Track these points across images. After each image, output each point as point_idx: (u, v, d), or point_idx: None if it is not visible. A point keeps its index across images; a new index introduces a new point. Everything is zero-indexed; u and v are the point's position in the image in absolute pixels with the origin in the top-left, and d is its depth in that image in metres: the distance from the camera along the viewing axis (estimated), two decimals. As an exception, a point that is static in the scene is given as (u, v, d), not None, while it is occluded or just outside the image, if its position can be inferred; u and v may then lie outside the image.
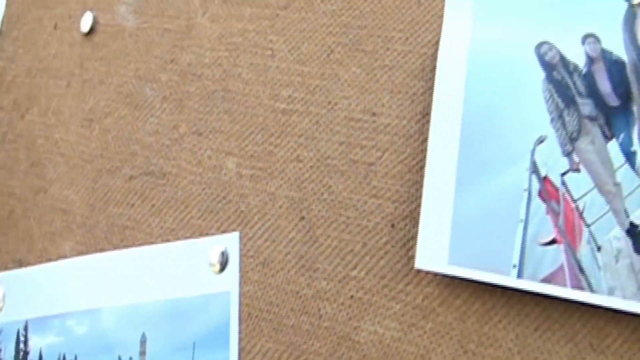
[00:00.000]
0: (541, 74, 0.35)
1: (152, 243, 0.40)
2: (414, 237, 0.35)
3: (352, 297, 0.36)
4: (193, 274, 0.38)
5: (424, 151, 0.36)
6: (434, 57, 0.37)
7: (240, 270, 0.37)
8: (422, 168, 0.36)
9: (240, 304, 0.37)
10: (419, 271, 0.35)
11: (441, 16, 0.38)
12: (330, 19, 0.40)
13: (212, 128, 0.40)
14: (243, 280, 0.37)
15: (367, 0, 0.39)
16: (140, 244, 0.41)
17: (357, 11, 0.39)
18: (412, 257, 0.35)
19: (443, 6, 0.38)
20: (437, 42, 0.37)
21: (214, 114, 0.40)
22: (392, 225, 0.36)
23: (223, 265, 0.38)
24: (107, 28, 0.46)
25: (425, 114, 0.37)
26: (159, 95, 0.42)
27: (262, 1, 0.41)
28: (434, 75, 0.36)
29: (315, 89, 0.39)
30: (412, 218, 0.36)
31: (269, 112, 0.39)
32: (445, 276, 0.35)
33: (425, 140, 0.36)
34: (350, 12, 0.39)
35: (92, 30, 0.46)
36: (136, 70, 0.44)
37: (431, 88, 0.37)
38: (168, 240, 0.40)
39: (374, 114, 0.38)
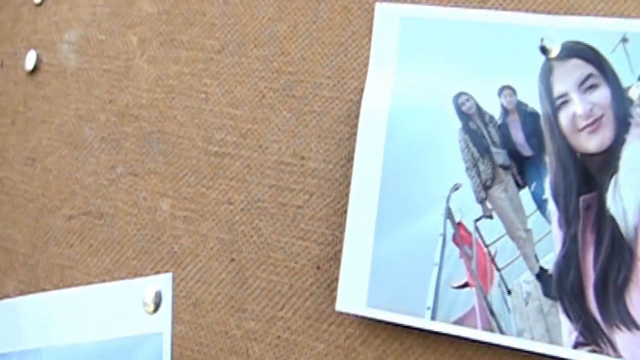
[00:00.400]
0: (458, 124, 0.37)
1: (90, 283, 0.42)
2: (337, 279, 0.37)
3: (279, 337, 0.37)
4: (128, 315, 0.40)
5: (348, 195, 0.38)
6: (359, 103, 0.39)
7: (173, 310, 0.39)
8: (346, 211, 0.38)
9: (172, 345, 0.39)
10: (340, 312, 0.37)
11: (367, 64, 0.40)
12: (262, 64, 0.41)
13: (148, 169, 0.42)
14: (175, 320, 0.39)
15: (298, 47, 0.41)
16: (78, 284, 0.42)
17: (288, 57, 0.41)
18: (336, 299, 0.37)
19: (369, 55, 0.40)
20: (363, 90, 0.39)
21: (150, 155, 0.42)
22: (318, 267, 0.38)
23: (157, 305, 0.39)
24: (50, 67, 0.47)
25: (350, 159, 0.39)
26: (98, 135, 0.44)
27: (197, 44, 0.43)
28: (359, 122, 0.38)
29: (247, 132, 0.41)
30: (337, 260, 0.38)
31: (202, 155, 0.41)
32: (365, 317, 0.36)
33: (349, 184, 0.38)
34: (282, 58, 0.41)
35: (35, 69, 0.48)
36: (77, 109, 0.45)
37: (356, 134, 0.38)
38: (105, 281, 0.41)
39: (302, 158, 0.39)
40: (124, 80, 0.44)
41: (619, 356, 0.34)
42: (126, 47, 0.45)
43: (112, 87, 0.44)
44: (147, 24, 0.45)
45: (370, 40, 0.40)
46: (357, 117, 0.39)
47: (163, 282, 0.40)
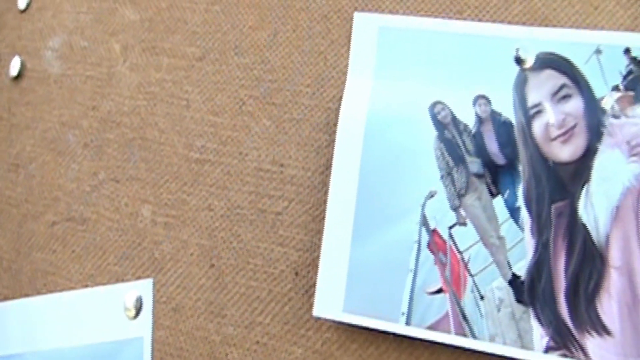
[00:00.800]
0: (434, 133, 0.38)
1: (72, 288, 0.42)
2: (315, 285, 0.38)
3: (257, 342, 0.38)
4: (110, 320, 0.41)
5: (326, 202, 0.39)
6: (338, 111, 0.40)
7: (153, 316, 0.40)
8: (324, 218, 0.39)
9: (153, 350, 0.39)
10: (318, 318, 0.38)
11: (346, 73, 0.40)
12: (242, 72, 0.42)
13: (130, 175, 0.43)
14: (155, 325, 0.40)
15: (278, 55, 0.42)
16: (61, 290, 0.43)
17: (268, 65, 0.42)
18: (314, 304, 0.38)
19: (347, 63, 0.41)
20: (342, 98, 0.40)
21: (131, 161, 0.43)
22: (296, 273, 0.39)
23: (138, 310, 0.40)
24: (33, 73, 0.48)
25: (329, 166, 0.40)
26: (81, 141, 0.45)
27: (179, 52, 0.44)
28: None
29: (227, 139, 0.41)
30: (315, 266, 0.39)
31: (183, 161, 0.42)
32: (342, 323, 0.37)
33: (328, 191, 0.39)
34: (262, 66, 0.42)
35: (20, 75, 0.48)
36: (60, 116, 0.46)
37: (335, 141, 0.39)
38: (87, 286, 0.42)
39: (281, 165, 0.40)
40: (106, 87, 0.45)
41: (589, 361, 0.35)
42: (109, 54, 0.46)
43: (95, 93, 0.45)
44: (129, 31, 0.46)
45: (349, 49, 0.41)
46: (335, 125, 0.40)
47: (144, 288, 0.41)
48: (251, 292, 0.39)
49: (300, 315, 0.38)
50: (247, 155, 0.41)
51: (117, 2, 0.47)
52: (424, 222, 0.37)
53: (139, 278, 0.41)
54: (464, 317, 0.36)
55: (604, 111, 0.38)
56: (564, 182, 0.37)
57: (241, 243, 0.40)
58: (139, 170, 0.43)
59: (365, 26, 0.42)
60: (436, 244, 0.37)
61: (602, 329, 0.35)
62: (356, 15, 0.42)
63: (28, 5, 0.50)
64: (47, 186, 0.45)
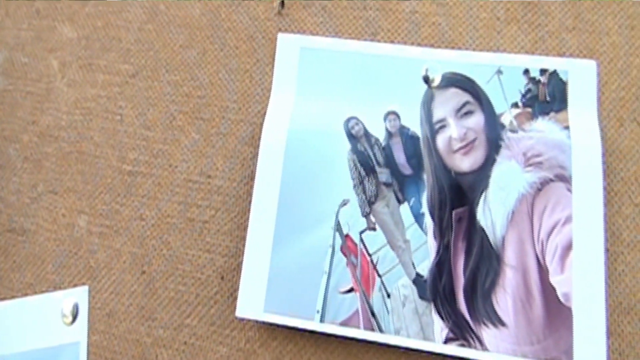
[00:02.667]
0: (347, 145, 0.43)
1: (13, 297, 0.46)
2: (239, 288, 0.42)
3: (185, 343, 0.43)
4: (48, 326, 0.44)
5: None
6: (262, 126, 0.44)
7: (89, 321, 0.44)
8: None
9: (88, 353, 0.43)
10: (242, 318, 0.42)
11: (270, 90, 0.45)
12: (173, 89, 0.47)
13: (67, 187, 0.47)
14: (91, 330, 0.44)
15: (206, 72, 0.46)
16: (3, 298, 0.46)
17: (197, 82, 0.46)
18: (238, 306, 0.42)
19: (271, 81, 0.45)
20: (266, 113, 0.45)
21: (69, 174, 0.47)
22: (222, 277, 0.43)
23: (74, 316, 0.44)
24: (-26, 89, 0.51)
25: (253, 177, 0.44)
26: (21, 155, 0.48)
27: (113, 68, 0.48)
28: (260, 143, 0.44)
29: (158, 152, 0.46)
30: (239, 270, 0.43)
31: (116, 174, 0.46)
32: (264, 322, 0.42)
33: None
34: (191, 82, 0.47)
35: (-39, 90, 0.52)
36: (2, 130, 0.49)
37: (258, 154, 0.44)
38: (27, 294, 0.46)
39: (209, 177, 0.45)
40: (45, 102, 0.49)
41: (485, 349, 0.40)
42: (48, 70, 0.50)
43: (35, 109, 0.49)
44: (67, 49, 0.50)
45: (273, 67, 0.46)
46: (259, 138, 0.44)
47: (80, 295, 0.44)
48: (180, 296, 0.43)
49: (225, 317, 0.43)
50: (176, 167, 0.45)
51: (56, 20, 0.51)
52: (338, 227, 0.42)
53: (75, 286, 0.45)
54: (372, 313, 0.40)
55: (503, 126, 0.43)
56: (464, 190, 0.42)
57: (171, 250, 0.44)
58: (76, 182, 0.47)
59: (288, 46, 0.46)
60: (349, 247, 0.42)
61: (497, 321, 0.40)
62: (280, 36, 0.47)
63: (-31, 22, 0.54)
64: (-13, 198, 0.49)
